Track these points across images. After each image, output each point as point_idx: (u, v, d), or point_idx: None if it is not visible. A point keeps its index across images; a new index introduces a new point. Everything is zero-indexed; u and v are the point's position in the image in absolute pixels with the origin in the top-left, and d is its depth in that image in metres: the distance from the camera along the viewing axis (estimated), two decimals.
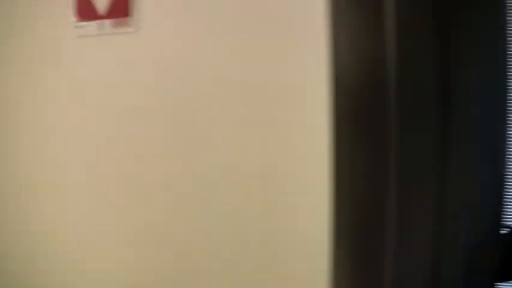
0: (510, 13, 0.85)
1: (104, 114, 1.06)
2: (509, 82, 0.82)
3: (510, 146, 0.85)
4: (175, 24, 0.99)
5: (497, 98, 0.81)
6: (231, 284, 0.95)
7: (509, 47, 0.83)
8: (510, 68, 0.84)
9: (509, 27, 0.85)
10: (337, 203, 0.86)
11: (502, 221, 0.83)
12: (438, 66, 0.83)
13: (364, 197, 0.86)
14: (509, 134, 0.85)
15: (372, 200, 0.85)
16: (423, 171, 0.82)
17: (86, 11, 1.06)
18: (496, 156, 0.81)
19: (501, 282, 0.83)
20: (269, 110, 0.91)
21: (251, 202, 0.93)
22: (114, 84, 1.05)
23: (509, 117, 0.82)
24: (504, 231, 0.84)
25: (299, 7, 0.88)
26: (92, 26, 1.06)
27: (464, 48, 0.81)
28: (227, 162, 0.96)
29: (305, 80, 0.88)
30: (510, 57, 0.85)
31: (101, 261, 1.08)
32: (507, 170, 0.83)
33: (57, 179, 1.12)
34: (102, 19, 1.05)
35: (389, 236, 0.81)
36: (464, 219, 0.80)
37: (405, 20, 0.83)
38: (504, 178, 0.82)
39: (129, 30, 1.03)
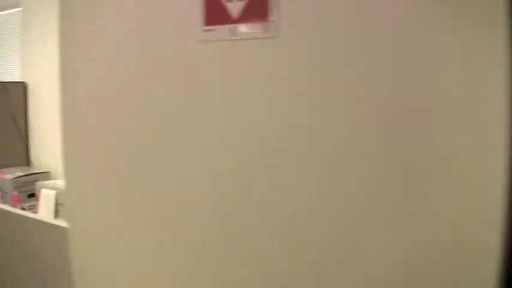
0: None
1: (228, 128, 0.96)
2: None
3: None
4: (324, 31, 0.87)
5: None
6: None
7: None
8: None
9: None
10: None
11: None
12: None
13: None
14: None
15: None
16: None
17: (215, 14, 0.95)
18: None
19: None
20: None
21: None
22: (244, 93, 0.94)
23: None
24: None
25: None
26: (222, 30, 0.95)
27: None
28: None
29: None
30: None
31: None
32: None
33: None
34: (234, 23, 0.93)
35: None
36: None
37: None
38: None
39: (266, 35, 0.91)
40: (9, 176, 3.38)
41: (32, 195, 3.33)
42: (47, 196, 3.04)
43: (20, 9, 3.90)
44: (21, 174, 3.40)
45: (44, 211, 3.03)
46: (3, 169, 3.51)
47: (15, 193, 3.33)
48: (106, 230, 1.16)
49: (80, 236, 1.22)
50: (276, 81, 0.90)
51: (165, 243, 1.07)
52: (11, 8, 4.00)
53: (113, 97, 1.07)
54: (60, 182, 3.15)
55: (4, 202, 3.29)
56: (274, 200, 0.91)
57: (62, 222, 1.31)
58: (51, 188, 3.03)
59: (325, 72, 0.87)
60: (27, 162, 3.75)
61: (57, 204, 3.02)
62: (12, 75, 4.01)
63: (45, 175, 3.46)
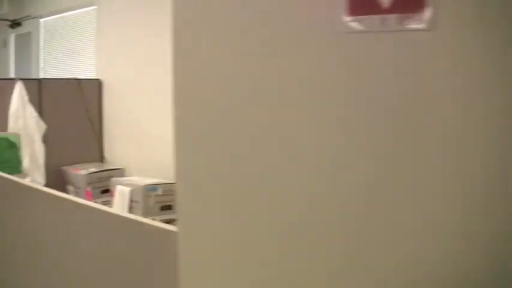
0: None
1: (374, 129, 0.89)
2: None
3: None
4: (486, 23, 0.79)
5: None
6: None
7: None
8: None
9: None
10: None
11: None
12: None
13: None
14: None
15: None
16: None
17: (363, 3, 0.89)
18: None
19: None
20: None
21: None
22: (394, 89, 0.87)
23: None
24: None
25: None
26: (370, 20, 0.88)
27: None
28: None
29: None
30: None
31: None
32: None
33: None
34: (385, 13, 0.87)
35: None
36: None
37: None
38: None
39: (422, 27, 0.84)
40: (82, 172, 3.42)
41: (106, 191, 3.36)
42: (121, 192, 3.06)
43: (95, 7, 3.96)
44: (94, 170, 3.44)
45: (118, 207, 3.05)
46: (76, 165, 3.57)
47: (89, 189, 3.37)
48: (220, 237, 1.11)
49: (191, 241, 1.16)
50: (431, 78, 0.83)
51: (283, 255, 1.01)
52: (86, 7, 4.07)
53: (236, 95, 1.02)
54: (135, 179, 3.17)
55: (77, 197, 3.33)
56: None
57: (170, 226, 1.26)
58: (126, 185, 3.04)
59: (487, 72, 0.79)
60: (101, 158, 3.80)
61: (131, 200, 3.04)
62: (87, 72, 4.08)
63: (119, 171, 3.49)
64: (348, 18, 0.89)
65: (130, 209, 3.01)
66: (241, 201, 1.06)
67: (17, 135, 3.30)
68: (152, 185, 2.94)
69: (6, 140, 3.29)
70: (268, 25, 0.98)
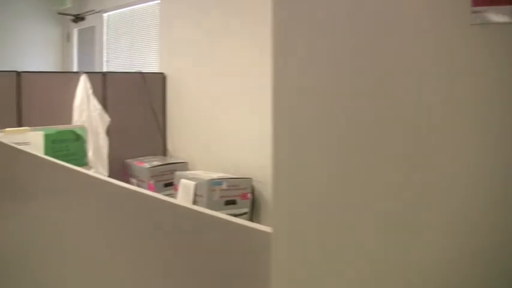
0: None
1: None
2: None
3: None
4: None
5: None
6: None
7: None
8: None
9: None
10: None
11: None
12: None
13: None
14: None
15: None
16: None
17: None
18: None
19: None
20: None
21: None
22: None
23: None
24: None
25: None
26: (497, 11, 0.82)
27: None
28: None
29: None
30: None
31: None
32: None
33: None
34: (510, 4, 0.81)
35: None
36: None
37: None
38: None
39: None
40: (146, 165, 3.45)
41: (169, 185, 3.38)
42: (186, 186, 3.06)
43: (159, 1, 3.98)
44: (158, 163, 3.46)
45: (182, 201, 3.05)
46: (140, 158, 3.60)
47: (152, 182, 3.39)
48: (316, 240, 1.06)
49: (284, 243, 1.12)
50: None
51: (377, 258, 0.96)
52: (150, 1, 4.10)
53: (343, 92, 0.97)
54: (199, 173, 3.17)
55: None
56: None
57: (264, 227, 1.21)
58: (191, 179, 3.04)
59: None
60: (164, 151, 3.83)
61: (195, 194, 3.04)
62: (150, 66, 4.11)
63: (183, 165, 3.50)
64: (472, 9, 0.84)
65: (195, 203, 3.01)
66: (337, 202, 1.02)
67: (84, 128, 3.35)
68: (217, 179, 2.92)
69: (73, 132, 3.34)
70: (383, 16, 0.93)
